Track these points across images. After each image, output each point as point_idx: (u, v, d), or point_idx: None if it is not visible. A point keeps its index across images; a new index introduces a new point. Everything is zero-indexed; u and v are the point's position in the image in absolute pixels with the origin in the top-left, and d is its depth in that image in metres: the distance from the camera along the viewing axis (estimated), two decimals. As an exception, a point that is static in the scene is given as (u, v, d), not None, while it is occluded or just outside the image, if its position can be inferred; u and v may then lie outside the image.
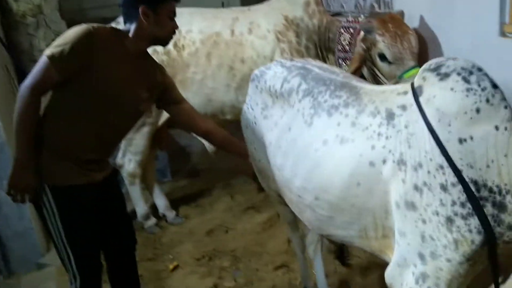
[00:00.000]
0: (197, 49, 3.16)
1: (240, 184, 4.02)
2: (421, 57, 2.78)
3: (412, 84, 1.66)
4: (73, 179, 1.94)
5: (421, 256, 1.57)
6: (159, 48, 2.67)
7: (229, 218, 3.64)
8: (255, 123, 2.13)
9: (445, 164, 1.50)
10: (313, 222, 1.93)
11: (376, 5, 3.32)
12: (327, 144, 1.74)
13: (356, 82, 1.90)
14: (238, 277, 2.96)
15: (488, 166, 1.49)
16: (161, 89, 2.08)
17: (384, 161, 1.61)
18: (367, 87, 1.84)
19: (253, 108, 2.15)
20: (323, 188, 1.75)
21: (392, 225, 1.64)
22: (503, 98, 1.52)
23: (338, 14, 3.29)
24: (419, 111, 1.56)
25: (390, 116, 1.64)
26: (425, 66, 1.66)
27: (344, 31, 3.06)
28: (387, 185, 1.61)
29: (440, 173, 1.51)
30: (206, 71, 3.16)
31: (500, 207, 1.49)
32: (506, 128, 1.49)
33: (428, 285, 1.58)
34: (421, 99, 1.58)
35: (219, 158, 3.42)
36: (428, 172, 1.52)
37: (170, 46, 2.86)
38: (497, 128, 1.49)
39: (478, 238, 1.50)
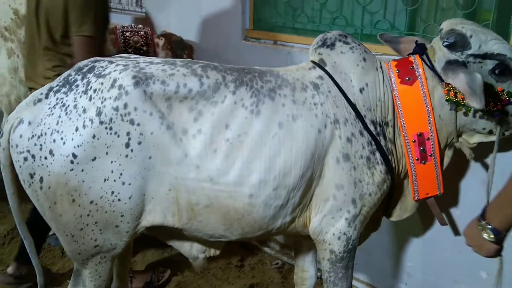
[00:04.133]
0: None
1: None
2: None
3: (313, 61, 1.95)
4: None
5: (354, 201, 1.83)
6: None
7: None
8: (139, 143, 1.66)
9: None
10: (254, 224, 1.82)
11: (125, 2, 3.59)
12: (282, 126, 1.77)
13: (257, 67, 1.95)
14: None
15: (376, 106, 1.87)
16: None
17: (325, 126, 1.80)
18: (279, 69, 1.94)
19: (140, 122, 1.66)
20: (286, 172, 1.76)
21: (317, 189, 1.84)
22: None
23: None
24: (330, 79, 1.87)
25: (316, 86, 1.85)
26: (313, 45, 2.00)
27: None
28: (327, 147, 1.80)
29: (357, 122, 1.83)
30: None
31: (385, 137, 1.88)
32: (381, 68, 1.91)
33: (356, 223, 1.86)
34: (328, 69, 1.89)
35: None
36: (351, 124, 1.82)
37: None
38: (377, 69, 1.91)
39: (383, 168, 1.84)
